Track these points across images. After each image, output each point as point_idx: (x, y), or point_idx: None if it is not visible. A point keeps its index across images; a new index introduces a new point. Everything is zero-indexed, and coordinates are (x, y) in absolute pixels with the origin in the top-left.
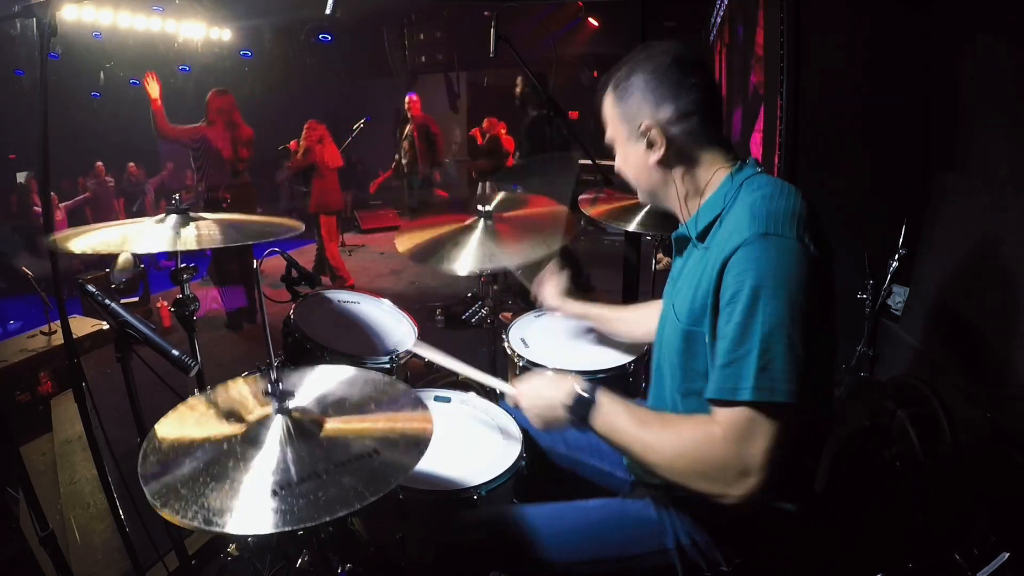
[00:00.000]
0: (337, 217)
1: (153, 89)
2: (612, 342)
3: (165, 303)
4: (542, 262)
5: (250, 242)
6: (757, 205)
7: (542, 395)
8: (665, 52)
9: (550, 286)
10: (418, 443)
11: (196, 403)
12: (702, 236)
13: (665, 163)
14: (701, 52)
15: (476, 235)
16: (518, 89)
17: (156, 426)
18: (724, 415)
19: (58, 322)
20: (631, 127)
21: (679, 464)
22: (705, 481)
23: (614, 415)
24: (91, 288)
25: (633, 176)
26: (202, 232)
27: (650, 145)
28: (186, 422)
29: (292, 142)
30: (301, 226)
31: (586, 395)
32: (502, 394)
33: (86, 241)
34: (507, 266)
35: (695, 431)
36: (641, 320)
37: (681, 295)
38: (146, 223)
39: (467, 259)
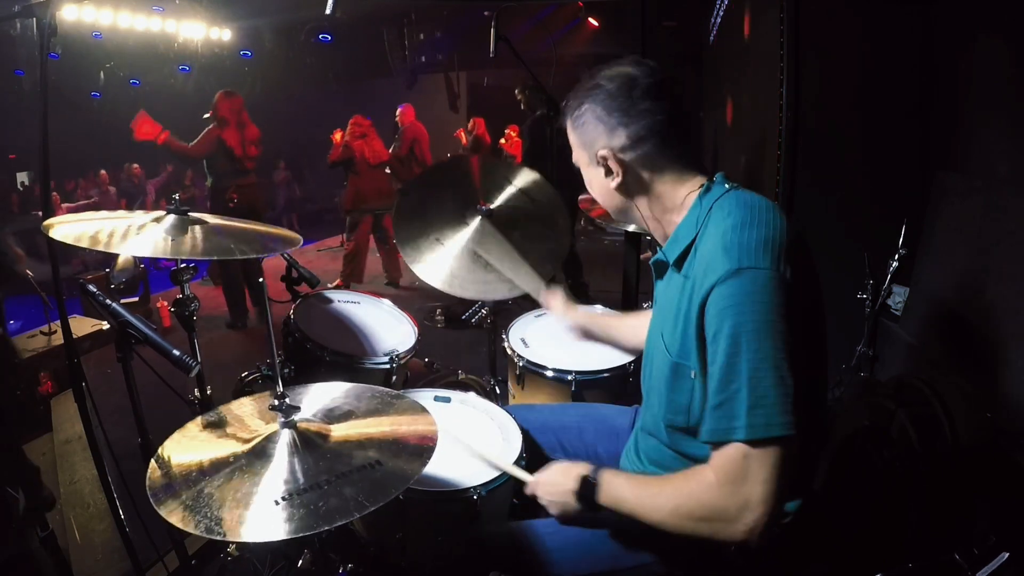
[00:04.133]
0: (375, 216)
1: (150, 132)
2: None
3: (165, 303)
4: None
5: (250, 255)
6: (728, 237)
7: (556, 484)
8: (611, 79)
9: (555, 297)
10: (421, 454)
11: (205, 419)
12: (678, 263)
13: (624, 189)
14: (657, 73)
15: (469, 234)
16: (519, 96)
17: (164, 445)
18: (720, 457)
19: (58, 322)
20: (588, 155)
21: (680, 515)
22: (707, 525)
23: (616, 488)
24: (91, 288)
25: (599, 199)
26: (197, 240)
27: (608, 172)
28: (195, 437)
29: (336, 132)
30: (299, 240)
31: (591, 479)
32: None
33: (74, 228)
34: (496, 298)
35: (689, 481)
36: (643, 327)
37: (668, 323)
38: (144, 219)
39: (456, 275)
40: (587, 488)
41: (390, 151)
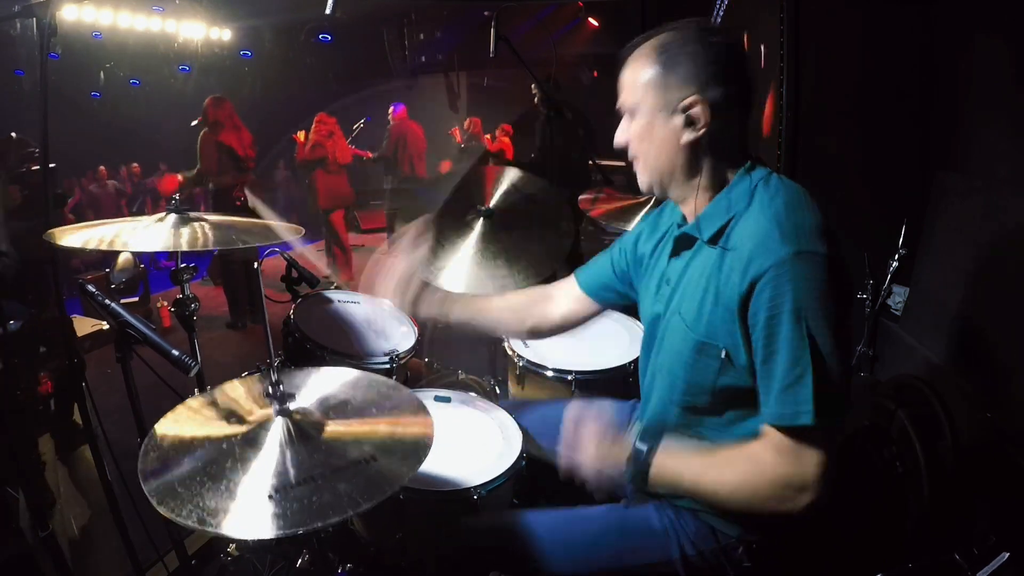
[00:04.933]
0: (346, 212)
1: (172, 183)
2: (612, 342)
3: (165, 303)
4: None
5: (255, 244)
6: (783, 217)
7: (607, 457)
8: (713, 32)
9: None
10: (417, 450)
11: (197, 403)
12: (715, 238)
13: (696, 147)
14: (739, 41)
15: (472, 240)
16: (535, 92)
17: (156, 425)
18: (777, 437)
19: None
20: (669, 98)
21: (743, 494)
22: (769, 503)
23: (672, 465)
24: (91, 288)
25: (653, 152)
26: (200, 233)
27: (689, 123)
28: (187, 421)
29: (299, 132)
30: (301, 231)
31: (643, 449)
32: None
33: (80, 236)
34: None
35: (748, 461)
36: (526, 307)
37: (691, 302)
38: (144, 222)
39: (459, 274)
40: (639, 462)
41: (380, 150)
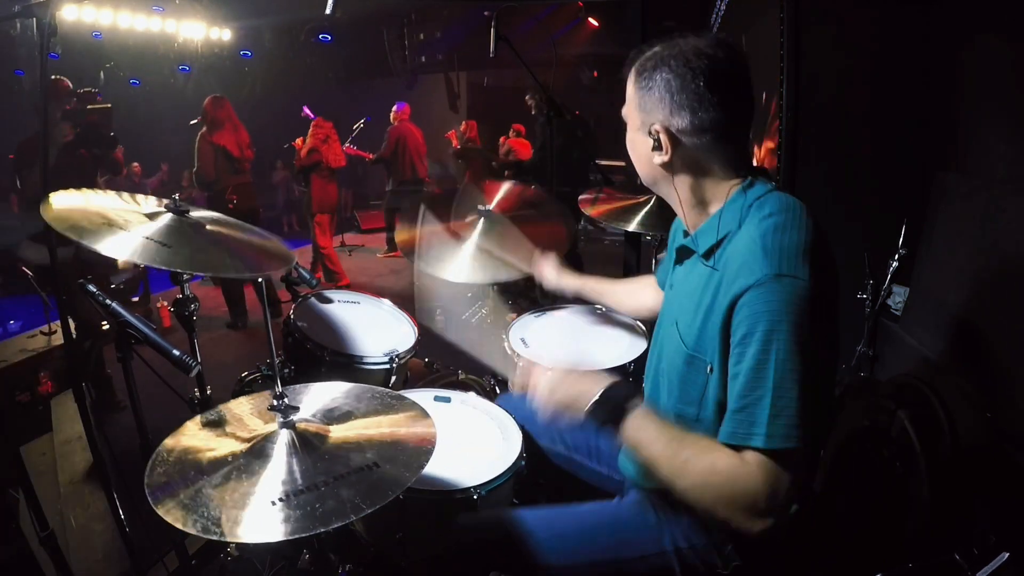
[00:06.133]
0: (332, 217)
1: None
2: (612, 342)
3: (165, 303)
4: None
5: (244, 275)
6: (769, 238)
7: (574, 384)
8: (698, 55)
9: (546, 265)
10: (419, 456)
11: (204, 418)
12: (708, 254)
13: (668, 168)
14: (744, 69)
15: (474, 238)
16: (530, 101)
17: (164, 442)
18: (737, 458)
19: (58, 322)
20: (644, 119)
21: (707, 492)
22: (730, 512)
23: (643, 432)
24: (91, 288)
25: (637, 163)
26: (193, 251)
27: (657, 147)
28: (194, 435)
29: (298, 140)
30: (293, 258)
31: (624, 404)
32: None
33: (75, 206)
34: (500, 279)
35: (731, 465)
36: (633, 292)
37: (686, 314)
38: (145, 208)
39: (461, 266)
40: (614, 411)
41: (380, 152)
